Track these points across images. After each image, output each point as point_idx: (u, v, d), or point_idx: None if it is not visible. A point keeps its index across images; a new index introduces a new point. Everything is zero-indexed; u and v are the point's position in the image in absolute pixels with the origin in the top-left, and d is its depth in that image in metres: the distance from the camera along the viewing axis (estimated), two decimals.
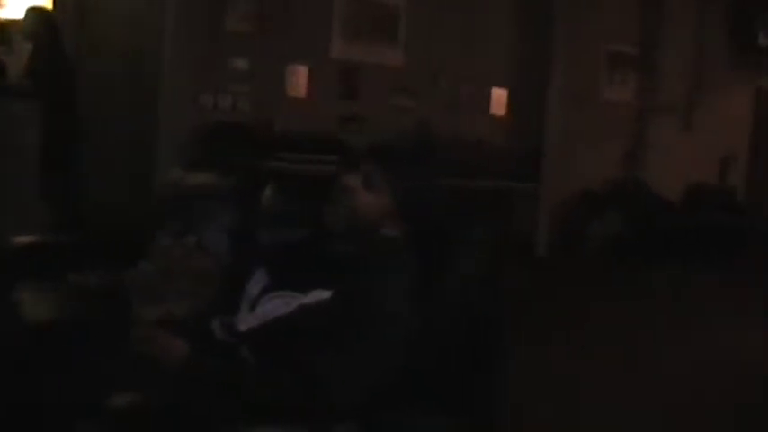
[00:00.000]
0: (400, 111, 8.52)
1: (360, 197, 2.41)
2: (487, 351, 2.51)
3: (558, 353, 5.68)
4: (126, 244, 3.71)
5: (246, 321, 2.34)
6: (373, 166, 2.44)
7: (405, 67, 8.62)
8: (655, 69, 10.63)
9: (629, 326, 6.71)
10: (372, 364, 2.21)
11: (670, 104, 10.82)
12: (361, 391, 2.20)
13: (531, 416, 4.06)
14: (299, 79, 8.00)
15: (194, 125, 7.26)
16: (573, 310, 7.02)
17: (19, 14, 6.51)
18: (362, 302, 2.25)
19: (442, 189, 2.62)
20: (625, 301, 7.73)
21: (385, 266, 2.34)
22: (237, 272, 2.58)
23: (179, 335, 2.30)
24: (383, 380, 2.23)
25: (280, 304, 2.31)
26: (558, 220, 9.74)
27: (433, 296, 2.39)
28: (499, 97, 9.44)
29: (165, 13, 7.25)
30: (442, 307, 2.42)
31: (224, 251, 3.42)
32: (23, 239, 3.89)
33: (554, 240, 9.66)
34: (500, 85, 9.43)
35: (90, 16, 7.26)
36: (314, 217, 2.58)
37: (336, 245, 2.42)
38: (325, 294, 2.28)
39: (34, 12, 6.39)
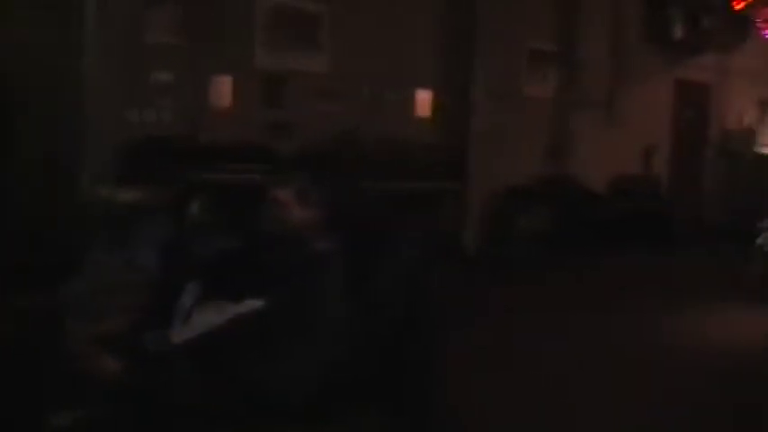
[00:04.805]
0: (326, 117, 8.51)
1: (291, 211, 2.46)
2: (420, 351, 2.57)
3: (493, 348, 5.74)
4: (57, 262, 3.68)
5: (180, 333, 2.38)
6: (306, 179, 2.48)
7: (329, 72, 8.63)
8: (575, 65, 10.81)
9: (562, 317, 6.82)
10: (310, 367, 2.27)
11: (591, 98, 11.00)
12: (303, 394, 2.25)
13: (466, 413, 4.09)
14: (223, 89, 7.95)
15: (120, 140, 7.15)
16: (504, 305, 7.11)
17: None
18: (297, 310, 2.31)
19: (369, 194, 2.69)
20: (555, 292, 7.85)
21: (316, 275, 2.40)
22: (170, 285, 2.61)
23: (113, 351, 2.33)
24: (322, 383, 2.29)
25: (213, 314, 2.35)
26: (485, 217, 9.81)
27: (365, 299, 2.45)
28: (423, 99, 9.49)
29: (86, 28, 7.16)
30: (375, 309, 2.48)
31: (156, 265, 3.43)
32: None
33: (482, 238, 9.73)
34: (424, 87, 9.49)
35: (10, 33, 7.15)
36: (243, 227, 2.63)
37: (267, 255, 2.47)
38: (257, 303, 2.33)
39: None
